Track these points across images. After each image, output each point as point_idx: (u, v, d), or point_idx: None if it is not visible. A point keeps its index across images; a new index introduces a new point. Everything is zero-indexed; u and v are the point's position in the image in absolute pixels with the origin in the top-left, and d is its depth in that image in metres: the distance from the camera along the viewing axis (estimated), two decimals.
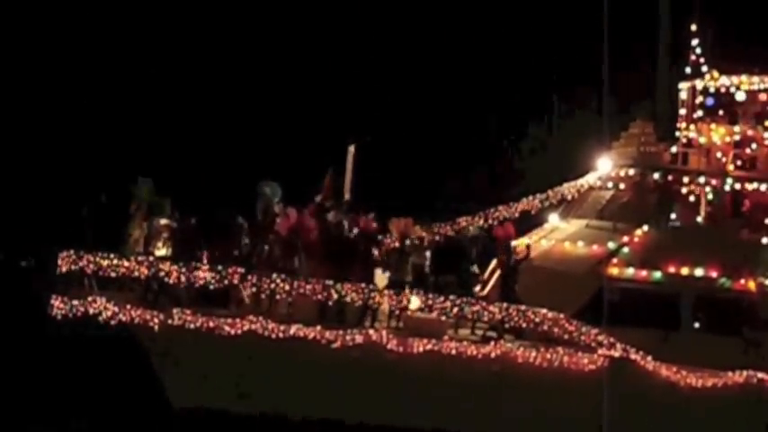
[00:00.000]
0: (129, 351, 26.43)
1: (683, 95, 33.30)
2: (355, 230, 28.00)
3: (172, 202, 26.57)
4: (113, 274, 25.29)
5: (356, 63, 56.34)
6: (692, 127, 32.72)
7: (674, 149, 32.25)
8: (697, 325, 29.76)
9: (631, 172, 31.34)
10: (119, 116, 50.50)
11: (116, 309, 25.07)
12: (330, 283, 25.90)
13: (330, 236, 27.34)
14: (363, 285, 26.36)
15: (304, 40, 57.72)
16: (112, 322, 25.18)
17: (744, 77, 32.55)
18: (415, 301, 26.91)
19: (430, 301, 26.74)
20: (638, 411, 27.84)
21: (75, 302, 24.94)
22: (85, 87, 51.29)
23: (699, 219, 31.63)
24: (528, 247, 30.10)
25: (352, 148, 30.17)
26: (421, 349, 26.56)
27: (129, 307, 25.17)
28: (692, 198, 31.51)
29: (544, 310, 27.47)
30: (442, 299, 26.74)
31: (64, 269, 25.04)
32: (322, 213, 28.12)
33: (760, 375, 29.06)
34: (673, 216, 31.56)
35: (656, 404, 28.14)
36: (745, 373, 29.06)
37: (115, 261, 25.15)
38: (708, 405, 28.57)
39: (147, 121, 50.80)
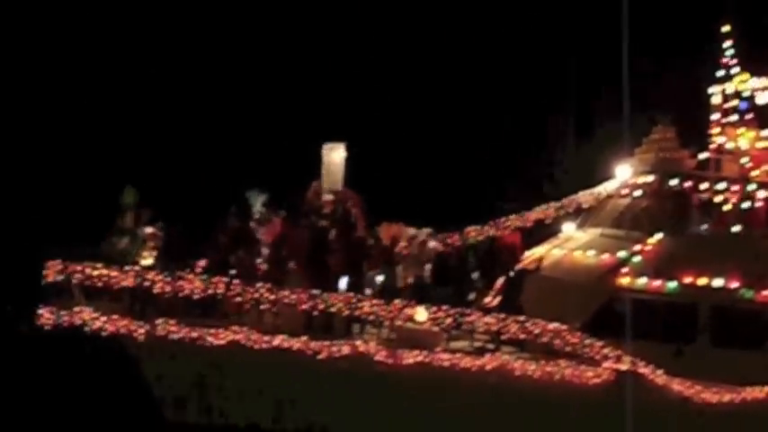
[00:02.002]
0: (121, 363, 26.32)
1: (715, 100, 32.22)
2: None
3: (156, 210, 26.66)
4: (100, 284, 25.28)
5: (354, 60, 56.81)
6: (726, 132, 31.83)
7: (702, 155, 31.45)
8: (714, 338, 28.44)
9: (649, 178, 30.39)
10: (102, 127, 50.93)
11: (103, 319, 24.84)
12: (316, 292, 25.45)
13: (317, 244, 27.01)
14: (351, 295, 25.90)
15: (290, 41, 58.38)
16: (103, 333, 25.24)
17: None
18: (422, 314, 26.41)
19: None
20: (647, 429, 26.37)
21: (63, 313, 24.80)
22: (69, 98, 51.76)
23: (733, 228, 30.68)
24: (540, 259, 29.63)
25: (328, 148, 29.76)
26: (411, 361, 25.85)
27: (115, 318, 24.95)
28: (726, 206, 30.48)
29: (544, 322, 26.52)
30: (434, 309, 26.18)
31: (51, 279, 24.91)
32: (308, 220, 27.83)
33: None
34: (704, 226, 30.67)
35: (667, 421, 26.97)
36: (766, 388, 27.75)
37: (102, 271, 25.09)
38: (725, 423, 27.33)
39: (131, 131, 51.00)
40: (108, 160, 44.47)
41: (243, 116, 54.19)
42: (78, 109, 50.96)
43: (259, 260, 27.18)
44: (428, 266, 28.61)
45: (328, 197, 28.76)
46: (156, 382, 25.77)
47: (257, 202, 28.05)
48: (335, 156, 29.50)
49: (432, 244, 29.34)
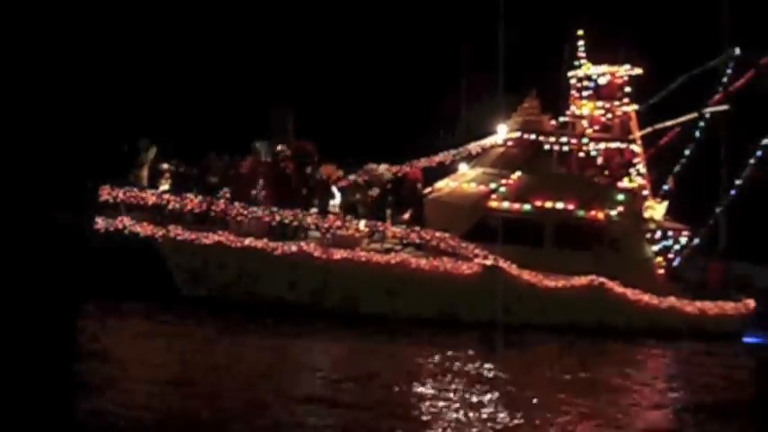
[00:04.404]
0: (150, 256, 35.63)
1: (572, 81, 42.81)
2: None
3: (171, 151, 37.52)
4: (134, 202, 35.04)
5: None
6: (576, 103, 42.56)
7: (562, 119, 41.93)
8: (556, 244, 38.46)
9: (516, 134, 40.52)
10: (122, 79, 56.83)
11: (137, 226, 34.91)
12: (275, 209, 35.61)
13: (278, 175, 37.26)
14: (298, 211, 35.84)
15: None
16: (140, 236, 35.10)
17: (605, 67, 42.05)
18: (362, 225, 36.44)
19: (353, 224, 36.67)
20: (506, 305, 35.99)
21: (111, 221, 34.79)
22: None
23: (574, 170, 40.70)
24: (433, 189, 40.41)
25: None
26: (339, 257, 35.97)
27: (144, 224, 35.07)
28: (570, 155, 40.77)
29: (434, 231, 36.48)
30: (356, 221, 36.48)
31: (103, 198, 34.71)
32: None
33: (601, 279, 38.02)
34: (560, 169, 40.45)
35: (519, 300, 36.75)
36: (589, 277, 37.91)
37: (137, 193, 35.15)
38: (559, 301, 37.59)
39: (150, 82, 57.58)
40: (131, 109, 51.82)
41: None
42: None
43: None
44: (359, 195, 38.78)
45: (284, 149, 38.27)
46: (172, 268, 35.87)
47: (269, 153, 37.76)
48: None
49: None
